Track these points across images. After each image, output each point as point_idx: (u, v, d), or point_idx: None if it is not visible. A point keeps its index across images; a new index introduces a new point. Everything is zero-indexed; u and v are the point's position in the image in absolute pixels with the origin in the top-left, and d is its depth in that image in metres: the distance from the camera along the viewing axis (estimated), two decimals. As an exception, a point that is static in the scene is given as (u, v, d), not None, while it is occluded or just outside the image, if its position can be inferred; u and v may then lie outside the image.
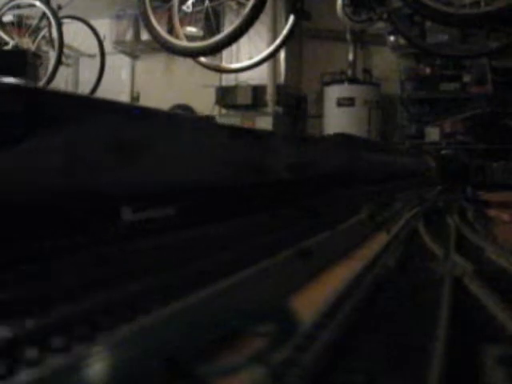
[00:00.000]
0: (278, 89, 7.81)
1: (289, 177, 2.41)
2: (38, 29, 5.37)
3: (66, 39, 5.23)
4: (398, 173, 5.45)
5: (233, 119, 7.68)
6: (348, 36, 8.01)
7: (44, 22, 5.17)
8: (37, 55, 5.01)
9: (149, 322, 0.79)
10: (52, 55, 5.12)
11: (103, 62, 5.54)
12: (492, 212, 3.02)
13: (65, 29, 5.11)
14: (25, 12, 5.75)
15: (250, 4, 2.88)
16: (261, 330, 0.89)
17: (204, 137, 1.71)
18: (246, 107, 7.94)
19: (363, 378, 0.72)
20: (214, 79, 7.77)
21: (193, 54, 3.46)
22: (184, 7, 3.59)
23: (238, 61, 6.31)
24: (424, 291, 1.16)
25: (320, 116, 8.34)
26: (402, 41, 7.14)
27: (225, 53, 6.76)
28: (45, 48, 5.66)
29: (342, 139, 3.73)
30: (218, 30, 5.44)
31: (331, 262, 1.51)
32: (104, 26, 7.76)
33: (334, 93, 7.94)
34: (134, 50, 9.25)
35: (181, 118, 1.74)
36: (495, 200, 3.80)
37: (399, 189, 4.44)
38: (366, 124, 7.55)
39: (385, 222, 2.35)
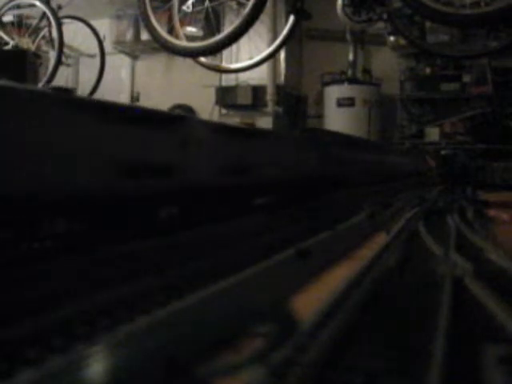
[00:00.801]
0: (278, 89, 7.81)
1: (223, 183, 1.82)
2: (38, 29, 5.38)
3: (66, 39, 5.23)
4: (393, 174, 5.23)
5: (233, 119, 7.69)
6: (348, 36, 8.01)
7: (44, 22, 5.18)
8: (37, 55, 5.02)
9: (149, 322, 0.79)
10: (52, 55, 5.12)
11: (103, 62, 5.55)
12: (492, 212, 3.02)
13: (65, 29, 5.12)
14: (25, 12, 5.76)
15: (250, 4, 2.88)
16: (261, 330, 0.89)
17: (56, 119, 1.14)
18: (246, 107, 7.94)
19: (363, 378, 0.72)
20: (214, 79, 7.76)
21: (193, 54, 3.46)
22: (184, 7, 3.59)
23: (238, 61, 6.31)
24: (424, 291, 1.16)
25: (320, 116, 8.33)
26: (401, 41, 7.13)
27: (225, 53, 6.77)
28: (45, 48, 5.66)
29: (311, 136, 2.97)
30: (218, 30, 5.45)
31: (331, 262, 1.51)
32: (104, 25, 7.76)
33: (334, 93, 7.93)
34: (133, 50, 9.25)
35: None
36: (495, 200, 3.80)
37: (395, 191, 4.29)
38: (366, 124, 7.54)
39: (385, 222, 2.36)
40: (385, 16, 3.28)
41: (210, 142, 1.78)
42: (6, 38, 5.33)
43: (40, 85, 4.79)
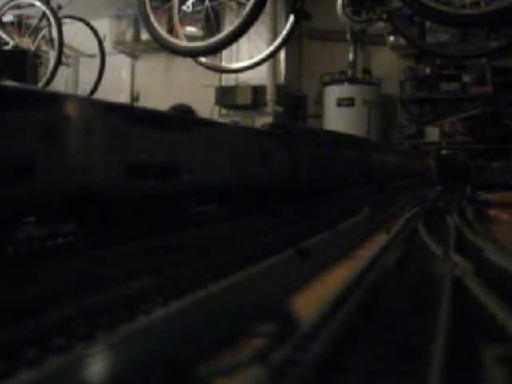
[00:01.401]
0: (278, 89, 7.81)
1: (130, 188, 1.26)
2: (37, 29, 5.38)
3: (66, 39, 5.23)
4: (391, 175, 5.04)
5: (233, 119, 7.68)
6: (348, 36, 8.01)
7: (44, 22, 5.18)
8: (37, 55, 5.02)
9: (149, 321, 0.79)
10: (52, 55, 5.12)
11: (103, 62, 5.55)
12: (492, 212, 3.02)
13: (65, 29, 5.12)
14: (25, 12, 5.76)
15: (249, 4, 2.88)
16: (261, 329, 0.89)
17: None
18: (246, 107, 7.95)
19: (363, 378, 0.72)
20: (214, 79, 7.77)
21: (193, 54, 3.46)
22: (184, 7, 3.59)
23: (238, 61, 6.31)
24: (424, 291, 1.16)
25: (320, 116, 8.34)
26: (402, 41, 7.13)
27: (225, 53, 6.77)
28: (45, 48, 5.66)
29: (284, 132, 2.37)
30: (218, 30, 5.45)
31: (331, 262, 1.51)
32: (104, 26, 7.76)
33: (333, 93, 7.94)
34: (133, 50, 9.26)
35: None
36: (495, 200, 3.80)
37: (395, 192, 4.11)
38: (366, 124, 7.55)
39: (385, 221, 2.36)
40: (385, 16, 3.28)
41: (119, 132, 1.24)
42: (6, 37, 5.33)
43: (40, 85, 4.79)
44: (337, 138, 3.48)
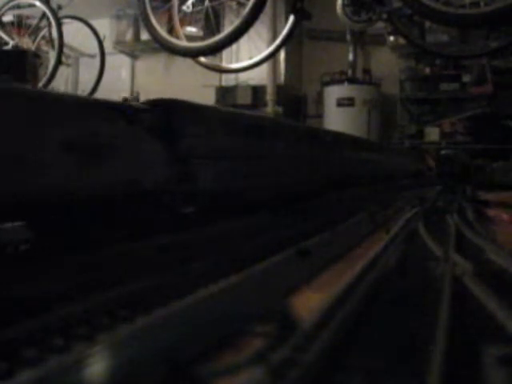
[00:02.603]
0: (278, 89, 7.82)
1: None
2: (37, 29, 5.40)
3: (66, 39, 5.24)
4: (386, 175, 4.78)
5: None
6: (348, 36, 8.02)
7: (44, 22, 5.20)
8: (37, 55, 5.03)
9: (149, 321, 0.79)
10: (52, 55, 5.13)
11: (103, 62, 5.57)
12: (492, 212, 3.02)
13: (65, 29, 5.13)
14: (25, 12, 5.77)
15: (249, 4, 2.88)
16: (261, 329, 0.89)
17: None
18: (246, 107, 7.96)
19: (363, 378, 0.72)
20: (214, 79, 7.77)
21: (193, 54, 3.47)
22: (184, 7, 3.60)
23: (238, 61, 6.32)
24: (424, 291, 1.16)
25: (320, 116, 8.34)
26: (401, 41, 7.14)
27: (225, 53, 6.79)
28: (45, 48, 5.67)
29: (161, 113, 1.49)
30: (218, 30, 5.46)
31: (331, 262, 1.51)
32: (104, 26, 7.77)
33: (333, 93, 7.94)
34: (133, 50, 9.27)
35: None
36: (495, 200, 3.81)
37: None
38: (366, 124, 7.55)
39: (385, 222, 2.36)
40: (385, 16, 3.29)
41: None
42: (6, 37, 5.34)
43: (40, 85, 4.79)
44: (285, 129, 2.52)
